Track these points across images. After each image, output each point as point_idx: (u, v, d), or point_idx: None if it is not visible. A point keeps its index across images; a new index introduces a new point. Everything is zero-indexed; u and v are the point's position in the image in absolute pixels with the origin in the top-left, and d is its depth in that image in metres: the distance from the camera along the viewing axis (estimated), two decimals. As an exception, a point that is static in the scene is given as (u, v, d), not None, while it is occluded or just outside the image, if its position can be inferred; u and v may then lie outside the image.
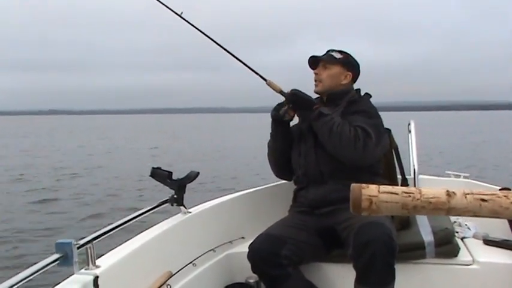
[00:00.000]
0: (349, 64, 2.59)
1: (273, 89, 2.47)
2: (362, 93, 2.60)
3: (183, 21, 2.59)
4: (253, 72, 2.49)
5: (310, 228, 2.39)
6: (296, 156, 2.55)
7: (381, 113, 2.49)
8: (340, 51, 2.58)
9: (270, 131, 2.62)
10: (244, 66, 2.49)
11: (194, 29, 2.57)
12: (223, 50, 2.54)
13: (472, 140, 27.37)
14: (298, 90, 2.45)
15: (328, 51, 2.59)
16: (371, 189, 0.75)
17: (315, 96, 2.58)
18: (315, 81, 2.57)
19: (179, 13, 2.60)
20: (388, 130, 2.64)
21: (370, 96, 2.58)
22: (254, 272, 2.32)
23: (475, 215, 0.74)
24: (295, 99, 2.44)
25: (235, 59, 2.51)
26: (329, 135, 2.34)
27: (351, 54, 2.61)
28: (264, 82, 2.48)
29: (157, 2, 2.62)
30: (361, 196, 0.75)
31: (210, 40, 2.54)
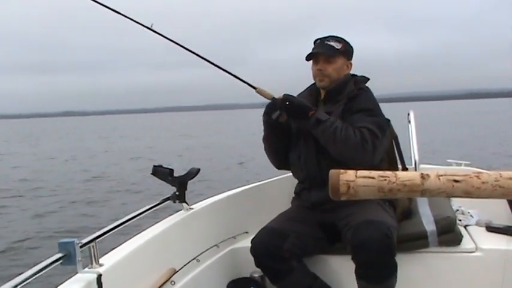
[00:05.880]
0: (350, 53, 2.48)
1: (264, 97, 2.36)
2: (357, 79, 2.47)
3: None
4: (241, 82, 2.39)
5: (312, 221, 2.39)
6: (295, 158, 2.46)
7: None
8: (336, 39, 2.44)
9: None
10: (232, 76, 2.40)
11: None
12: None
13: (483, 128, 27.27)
14: (291, 96, 2.33)
15: (322, 40, 2.44)
16: (349, 174, 0.77)
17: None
18: (318, 76, 2.43)
19: (149, 26, 2.47)
20: (388, 120, 2.61)
21: (367, 80, 2.47)
22: (258, 267, 2.34)
23: (449, 195, 0.75)
24: (288, 107, 2.29)
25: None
26: (334, 142, 2.24)
27: (350, 42, 2.48)
28: (254, 90, 2.37)
29: (126, 17, 2.50)
30: (339, 181, 0.77)
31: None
